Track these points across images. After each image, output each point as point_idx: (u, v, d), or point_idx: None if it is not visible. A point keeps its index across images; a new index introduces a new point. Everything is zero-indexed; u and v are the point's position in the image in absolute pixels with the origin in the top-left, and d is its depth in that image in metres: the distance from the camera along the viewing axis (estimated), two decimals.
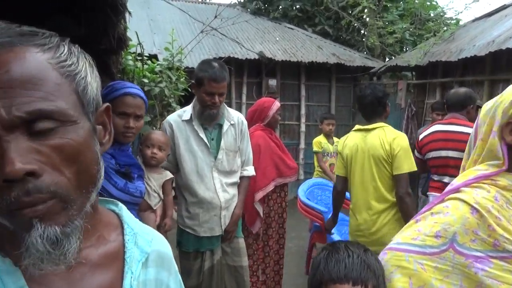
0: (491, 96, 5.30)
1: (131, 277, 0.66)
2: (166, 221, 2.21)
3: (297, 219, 5.17)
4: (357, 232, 2.63)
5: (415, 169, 2.53)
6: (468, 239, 0.91)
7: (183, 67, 4.15)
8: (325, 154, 4.83)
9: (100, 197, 0.73)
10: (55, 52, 0.56)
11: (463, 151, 3.09)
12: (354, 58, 8.32)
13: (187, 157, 2.38)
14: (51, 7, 1.86)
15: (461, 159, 3.22)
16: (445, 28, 7.66)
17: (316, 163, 4.95)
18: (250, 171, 2.64)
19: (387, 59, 9.43)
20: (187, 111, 2.43)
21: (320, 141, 4.85)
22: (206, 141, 2.39)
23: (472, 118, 3.13)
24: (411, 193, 2.51)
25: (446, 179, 2.97)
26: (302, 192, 4.21)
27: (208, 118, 2.38)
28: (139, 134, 2.06)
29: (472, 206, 0.92)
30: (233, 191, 2.52)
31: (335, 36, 10.09)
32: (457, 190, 0.99)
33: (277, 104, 3.32)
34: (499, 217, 0.91)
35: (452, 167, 2.94)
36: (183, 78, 4.04)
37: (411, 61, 6.72)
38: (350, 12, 9.76)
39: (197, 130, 2.38)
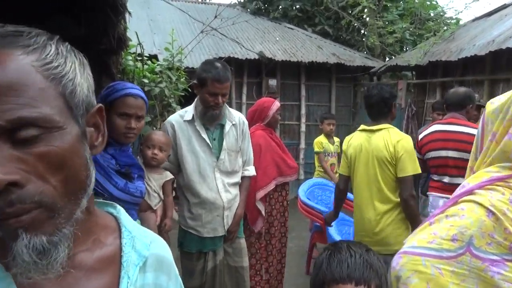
0: (491, 95, 5.30)
1: (128, 281, 0.64)
2: (166, 221, 2.21)
3: (298, 219, 5.17)
4: (362, 232, 2.64)
5: (420, 171, 2.53)
6: (484, 242, 0.89)
7: (183, 67, 4.15)
8: (326, 154, 4.84)
9: (98, 199, 0.72)
10: (40, 53, 0.54)
11: (462, 151, 3.09)
12: (354, 58, 8.32)
13: (189, 158, 2.37)
14: (51, 7, 1.86)
15: (461, 159, 3.22)
16: (445, 28, 7.66)
17: (316, 163, 4.96)
18: (251, 171, 2.65)
19: (387, 59, 9.43)
20: (188, 112, 2.43)
21: (321, 141, 4.86)
22: (208, 141, 2.39)
23: (471, 118, 3.13)
24: (416, 195, 2.51)
25: (446, 179, 2.97)
26: (302, 192, 4.21)
27: (211, 119, 2.38)
28: (139, 134, 2.06)
29: (487, 209, 0.91)
30: (235, 191, 2.52)
31: (335, 36, 10.09)
32: (470, 192, 0.97)
33: (277, 104, 3.33)
34: None
35: (452, 167, 2.93)
36: (183, 78, 4.04)
37: (411, 60, 6.72)
38: (350, 12, 9.76)
39: (199, 131, 2.38)
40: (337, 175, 4.29)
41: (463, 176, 3.28)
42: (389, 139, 2.50)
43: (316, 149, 4.86)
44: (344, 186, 2.83)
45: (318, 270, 1.02)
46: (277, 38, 8.51)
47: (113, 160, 1.78)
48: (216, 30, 6.19)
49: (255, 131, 3.19)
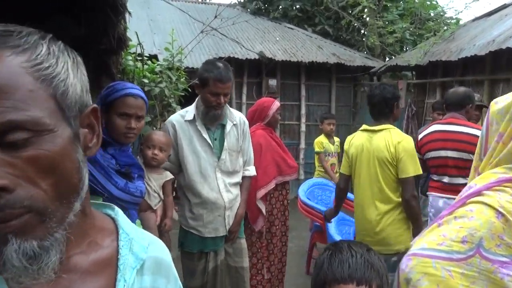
0: (491, 95, 5.30)
1: (124, 285, 0.62)
2: (166, 221, 2.21)
3: (298, 219, 5.17)
4: (363, 232, 2.65)
5: (421, 172, 2.53)
6: (494, 244, 0.89)
7: (183, 67, 4.15)
8: (326, 154, 4.84)
9: (97, 201, 0.71)
10: (30, 54, 0.52)
11: (462, 151, 3.08)
12: (354, 58, 8.32)
13: (190, 158, 2.37)
14: (51, 7, 1.86)
15: (460, 159, 3.21)
16: (445, 28, 7.67)
17: (317, 163, 4.96)
18: (251, 171, 2.65)
19: (387, 59, 9.43)
20: (189, 111, 2.42)
21: (321, 141, 4.86)
22: (209, 141, 2.39)
23: (471, 118, 3.13)
24: (417, 196, 2.51)
25: (445, 179, 2.97)
26: (302, 192, 4.21)
27: (213, 119, 2.38)
28: (139, 134, 2.06)
29: (497, 210, 0.90)
30: (236, 191, 2.52)
31: (335, 36, 10.09)
32: (479, 193, 0.96)
33: (276, 103, 3.34)
34: None
35: (451, 167, 2.93)
36: (183, 78, 4.04)
37: (411, 60, 6.72)
38: (350, 12, 9.76)
39: (200, 130, 2.38)
40: (337, 175, 4.30)
41: (462, 176, 3.29)
42: (390, 140, 2.50)
43: (316, 149, 4.86)
44: (344, 185, 2.85)
45: (319, 270, 1.02)
46: (277, 38, 8.51)
47: (113, 160, 1.79)
48: (216, 30, 6.19)
49: (255, 131, 3.19)
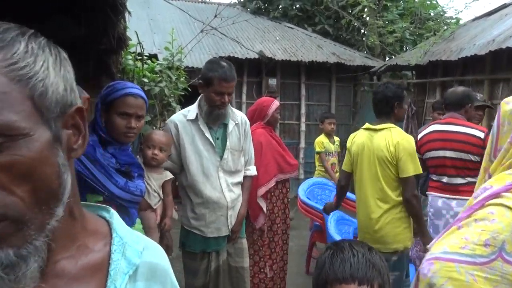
0: (491, 95, 5.30)
1: None
2: (165, 221, 2.21)
3: (297, 219, 5.17)
4: (364, 229, 2.67)
5: (421, 171, 2.53)
6: None
7: (183, 67, 4.15)
8: (327, 153, 4.84)
9: (92, 203, 0.69)
10: (5, 53, 0.49)
11: (460, 151, 3.07)
12: (354, 57, 8.32)
13: (192, 157, 2.37)
14: (51, 7, 1.86)
15: (459, 159, 3.20)
16: (445, 27, 7.67)
17: (317, 163, 4.96)
18: (252, 170, 2.65)
19: (387, 59, 9.43)
20: (191, 111, 2.42)
21: (322, 141, 4.86)
22: (211, 140, 2.38)
23: (471, 117, 3.12)
24: (418, 195, 2.52)
25: (444, 179, 2.97)
26: (302, 191, 4.21)
27: (216, 118, 2.38)
28: (139, 133, 2.06)
29: None
30: (238, 190, 2.52)
31: (335, 36, 10.09)
32: (497, 195, 0.95)
33: (276, 103, 3.35)
34: None
35: (450, 167, 2.93)
36: (183, 77, 4.04)
37: (411, 60, 6.72)
38: (350, 11, 9.75)
39: (202, 130, 2.37)
40: (338, 174, 4.30)
41: (461, 176, 3.29)
42: (390, 139, 2.50)
43: (317, 149, 4.86)
44: (345, 182, 2.88)
45: (321, 269, 1.02)
46: (277, 38, 8.51)
47: (113, 159, 1.79)
48: (216, 30, 6.18)
49: (256, 129, 3.20)
